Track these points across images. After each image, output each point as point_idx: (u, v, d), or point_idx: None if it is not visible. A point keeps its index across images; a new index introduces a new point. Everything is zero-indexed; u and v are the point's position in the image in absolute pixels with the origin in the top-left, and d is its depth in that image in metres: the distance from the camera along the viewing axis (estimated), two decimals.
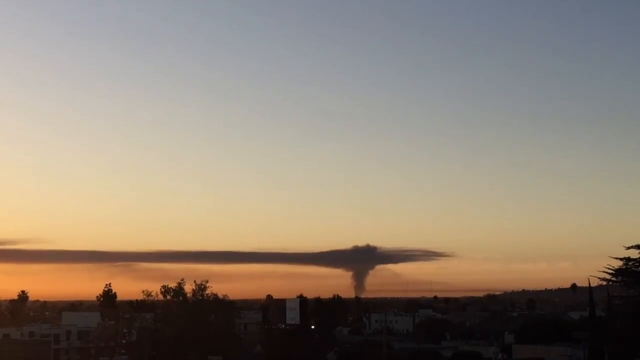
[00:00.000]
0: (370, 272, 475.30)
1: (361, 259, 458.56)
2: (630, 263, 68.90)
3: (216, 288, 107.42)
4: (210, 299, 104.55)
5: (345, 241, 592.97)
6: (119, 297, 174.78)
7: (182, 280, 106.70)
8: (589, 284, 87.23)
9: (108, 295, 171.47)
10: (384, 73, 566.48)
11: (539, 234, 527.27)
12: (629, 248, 68.87)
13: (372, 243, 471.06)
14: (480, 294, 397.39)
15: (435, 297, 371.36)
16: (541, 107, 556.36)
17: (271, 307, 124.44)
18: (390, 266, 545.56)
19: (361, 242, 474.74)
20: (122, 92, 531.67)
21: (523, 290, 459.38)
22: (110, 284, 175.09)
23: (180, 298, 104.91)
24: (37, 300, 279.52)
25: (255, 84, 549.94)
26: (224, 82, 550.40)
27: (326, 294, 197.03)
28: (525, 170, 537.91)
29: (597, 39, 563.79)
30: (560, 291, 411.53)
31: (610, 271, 69.91)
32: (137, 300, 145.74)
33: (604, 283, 72.87)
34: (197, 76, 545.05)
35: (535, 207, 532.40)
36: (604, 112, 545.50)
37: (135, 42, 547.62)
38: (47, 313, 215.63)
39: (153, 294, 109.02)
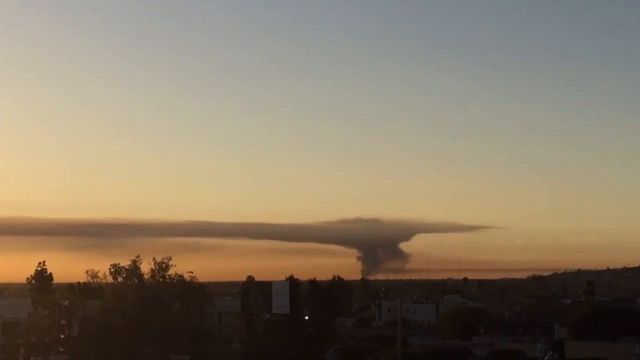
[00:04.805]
0: (382, 248, 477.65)
1: (369, 232, 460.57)
2: None
3: (181, 267, 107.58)
4: (174, 281, 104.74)
5: (348, 211, 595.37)
6: (56, 279, 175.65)
7: (138, 257, 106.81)
8: None
9: (42, 277, 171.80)
10: (408, 39, 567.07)
11: (599, 201, 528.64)
12: None
13: (383, 213, 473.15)
14: (524, 275, 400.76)
15: (465, 279, 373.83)
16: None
17: (253, 292, 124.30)
18: (408, 241, 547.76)
19: (368, 213, 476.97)
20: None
21: (578, 270, 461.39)
22: (44, 262, 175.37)
23: (135, 280, 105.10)
24: None
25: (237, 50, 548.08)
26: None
27: (324, 275, 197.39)
28: (580, 132, 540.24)
29: None
30: (626, 271, 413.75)
31: None
32: (79, 283, 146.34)
33: None
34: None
35: (593, 167, 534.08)
36: None
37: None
38: None
39: (100, 275, 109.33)
